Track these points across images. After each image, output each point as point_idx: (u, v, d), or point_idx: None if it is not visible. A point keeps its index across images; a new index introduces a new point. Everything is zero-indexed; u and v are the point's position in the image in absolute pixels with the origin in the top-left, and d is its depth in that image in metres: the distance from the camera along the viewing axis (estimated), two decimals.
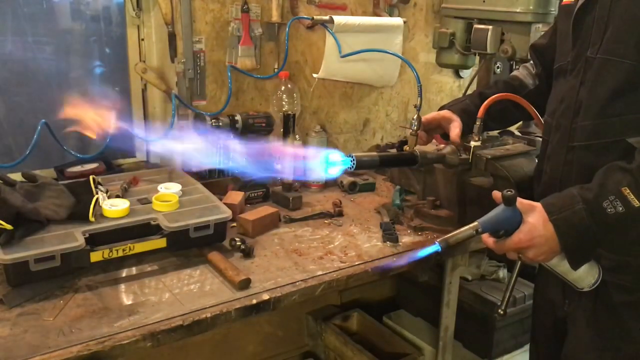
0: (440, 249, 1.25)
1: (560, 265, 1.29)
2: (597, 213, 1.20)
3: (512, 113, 1.71)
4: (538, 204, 1.25)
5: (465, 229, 1.25)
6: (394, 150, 1.75)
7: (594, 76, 1.30)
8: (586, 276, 1.30)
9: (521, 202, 1.25)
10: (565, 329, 1.47)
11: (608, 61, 1.27)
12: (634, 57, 1.22)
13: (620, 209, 1.18)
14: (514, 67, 2.23)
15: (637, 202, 1.17)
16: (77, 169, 1.93)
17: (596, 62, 1.29)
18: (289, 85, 2.21)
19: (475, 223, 1.25)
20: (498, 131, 2.00)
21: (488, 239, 1.29)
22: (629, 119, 1.26)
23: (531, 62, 1.73)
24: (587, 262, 1.28)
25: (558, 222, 1.22)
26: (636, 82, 1.24)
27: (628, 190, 1.17)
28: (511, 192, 1.22)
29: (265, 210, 1.81)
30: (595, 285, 1.31)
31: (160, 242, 1.51)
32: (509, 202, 1.23)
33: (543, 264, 1.31)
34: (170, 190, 1.69)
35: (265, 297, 1.40)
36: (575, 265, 1.27)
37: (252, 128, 2.08)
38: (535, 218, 1.23)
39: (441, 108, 1.75)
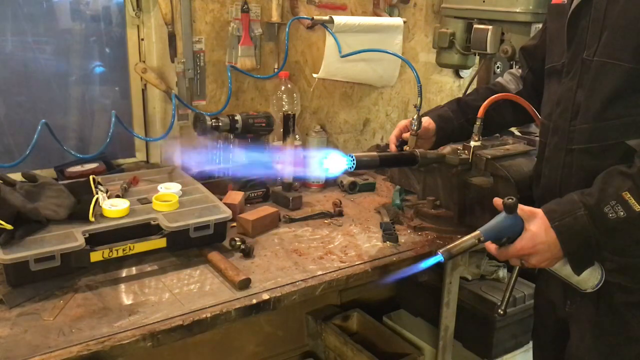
0: (442, 260, 1.25)
1: (563, 270, 1.29)
2: (598, 218, 1.20)
3: (503, 117, 1.71)
4: (539, 211, 1.25)
5: (468, 238, 1.25)
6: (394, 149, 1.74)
7: (592, 79, 1.29)
8: (589, 278, 1.30)
9: (522, 208, 1.24)
10: (567, 329, 1.47)
11: (605, 64, 1.27)
12: (631, 60, 1.22)
13: (622, 213, 1.18)
14: (514, 67, 2.23)
15: (638, 207, 1.17)
16: (77, 169, 1.93)
17: (593, 65, 1.29)
18: (289, 85, 2.22)
19: (477, 232, 1.24)
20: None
21: (490, 246, 1.29)
22: (628, 121, 1.26)
23: (517, 65, 1.74)
24: (590, 267, 1.28)
25: (560, 229, 1.22)
26: (634, 85, 1.23)
27: (629, 195, 1.17)
28: (512, 199, 1.22)
29: (265, 210, 1.81)
30: (598, 287, 1.31)
31: (160, 242, 1.51)
32: (510, 209, 1.23)
33: (546, 268, 1.31)
34: (170, 190, 1.69)
35: (265, 297, 1.40)
36: (578, 270, 1.27)
37: (252, 128, 2.08)
38: (537, 225, 1.23)
39: (423, 115, 1.74)
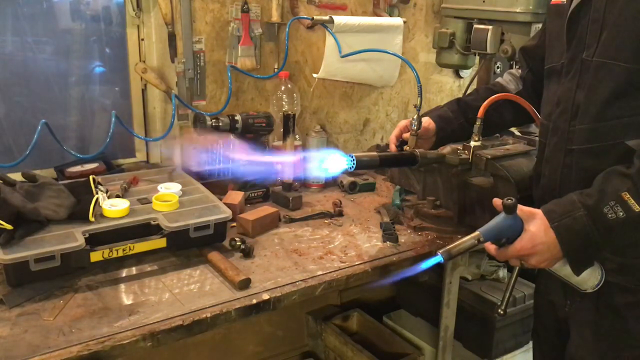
0: (442, 260, 1.25)
1: (563, 270, 1.29)
2: (597, 219, 1.20)
3: (502, 117, 1.71)
4: (539, 211, 1.25)
5: (467, 239, 1.25)
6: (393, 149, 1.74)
7: (591, 79, 1.29)
8: (589, 278, 1.30)
9: (522, 209, 1.24)
10: (567, 329, 1.47)
11: (605, 64, 1.26)
12: (630, 60, 1.22)
13: (621, 214, 1.18)
14: (514, 67, 2.23)
15: (638, 207, 1.17)
16: (77, 169, 1.93)
17: (593, 65, 1.29)
18: (289, 85, 2.22)
19: (477, 232, 1.24)
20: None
21: (490, 247, 1.29)
22: (628, 121, 1.26)
23: (517, 66, 1.74)
24: (589, 267, 1.28)
25: (559, 229, 1.22)
26: (634, 85, 1.23)
27: (628, 195, 1.17)
28: (511, 200, 1.22)
29: (265, 210, 1.81)
30: (599, 287, 1.31)
31: (160, 242, 1.51)
32: (510, 210, 1.23)
33: (546, 269, 1.31)
34: (170, 190, 1.69)
35: (265, 297, 1.40)
36: (577, 271, 1.27)
37: (252, 128, 2.08)
38: (536, 226, 1.23)
39: (423, 115, 1.74)
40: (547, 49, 1.49)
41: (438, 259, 1.25)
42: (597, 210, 1.19)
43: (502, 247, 1.27)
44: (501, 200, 1.24)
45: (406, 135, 1.67)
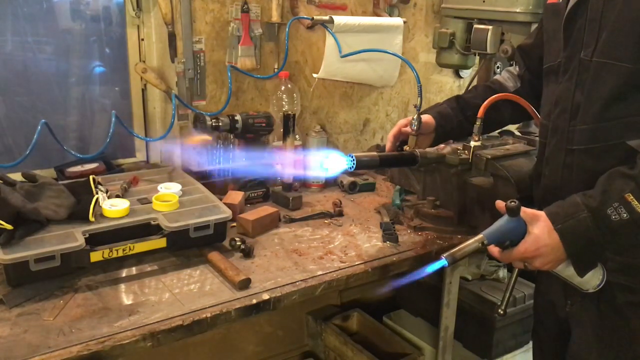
0: (447, 264, 1.25)
1: (566, 271, 1.29)
2: (601, 221, 1.19)
3: (501, 115, 1.71)
4: (542, 213, 1.25)
5: (471, 242, 1.25)
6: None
7: (591, 79, 1.29)
8: (591, 279, 1.30)
9: (525, 211, 1.24)
10: (567, 329, 1.47)
11: (605, 64, 1.26)
12: (631, 60, 1.22)
13: (625, 215, 1.17)
14: (513, 66, 2.23)
15: None
16: (77, 169, 1.93)
17: (592, 65, 1.28)
18: (289, 85, 2.22)
19: (481, 235, 1.25)
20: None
21: (493, 249, 1.28)
22: (629, 121, 1.25)
23: (516, 65, 1.74)
24: (593, 268, 1.28)
25: (563, 231, 1.22)
26: (635, 85, 1.23)
27: (632, 197, 1.17)
28: (515, 202, 1.22)
29: (265, 210, 1.81)
30: (600, 287, 1.31)
31: (160, 242, 1.51)
32: (513, 212, 1.23)
33: (549, 270, 1.31)
34: (170, 190, 1.69)
35: (265, 297, 1.40)
36: (581, 272, 1.27)
37: (252, 128, 2.08)
38: (539, 228, 1.23)
39: (422, 113, 1.73)
40: (545, 49, 1.48)
41: (442, 262, 1.24)
42: (601, 212, 1.19)
43: (506, 249, 1.27)
44: (504, 203, 1.24)
45: (405, 129, 1.65)
